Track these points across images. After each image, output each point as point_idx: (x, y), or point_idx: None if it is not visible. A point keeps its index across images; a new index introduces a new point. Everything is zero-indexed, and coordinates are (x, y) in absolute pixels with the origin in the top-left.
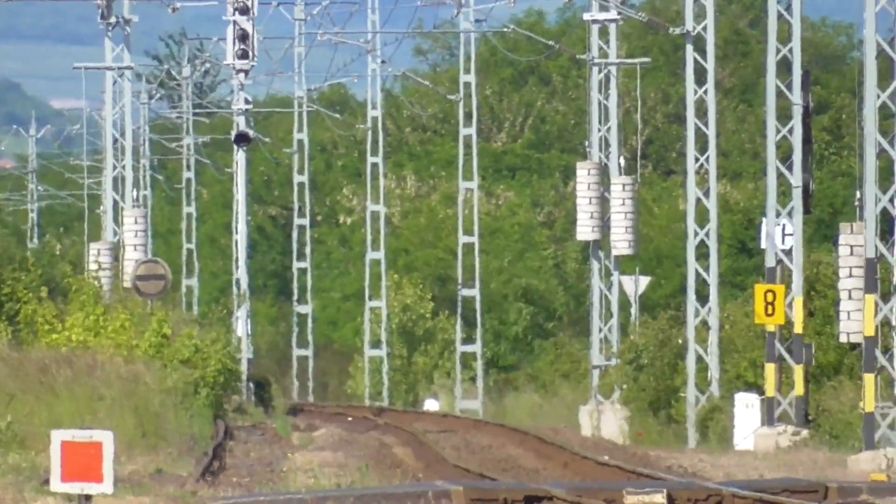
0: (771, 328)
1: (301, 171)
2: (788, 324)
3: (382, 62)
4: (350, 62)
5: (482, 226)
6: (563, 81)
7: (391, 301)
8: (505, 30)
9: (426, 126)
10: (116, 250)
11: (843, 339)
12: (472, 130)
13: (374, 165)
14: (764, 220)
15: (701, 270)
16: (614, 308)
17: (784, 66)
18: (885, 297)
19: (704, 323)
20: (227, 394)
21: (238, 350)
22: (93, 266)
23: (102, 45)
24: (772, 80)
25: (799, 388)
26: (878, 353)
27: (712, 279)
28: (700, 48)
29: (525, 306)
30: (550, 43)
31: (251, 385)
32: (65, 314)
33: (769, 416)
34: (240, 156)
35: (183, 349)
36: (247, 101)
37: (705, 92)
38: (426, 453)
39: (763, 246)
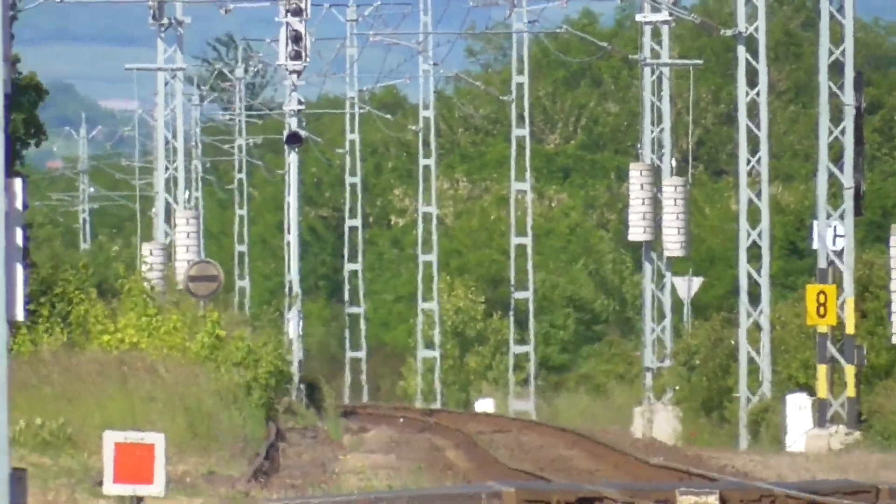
0: (823, 329)
1: (353, 173)
2: (840, 325)
3: (434, 63)
4: (402, 63)
5: (534, 227)
6: (615, 82)
7: (443, 302)
8: (557, 31)
9: (478, 127)
10: (168, 251)
11: (895, 340)
12: (526, 131)
13: (426, 167)
14: (815, 221)
15: (753, 272)
16: (667, 309)
17: (836, 67)
18: None
19: (756, 324)
20: (279, 395)
21: (289, 351)
22: (145, 266)
23: (154, 47)
24: (824, 82)
25: (851, 390)
26: None
27: (764, 280)
28: (752, 49)
29: (572, 312)
30: (603, 44)
31: (303, 386)
32: (118, 315)
33: (821, 417)
34: (292, 157)
35: (235, 351)
36: (299, 102)
37: (757, 93)
38: (478, 454)
39: (815, 247)
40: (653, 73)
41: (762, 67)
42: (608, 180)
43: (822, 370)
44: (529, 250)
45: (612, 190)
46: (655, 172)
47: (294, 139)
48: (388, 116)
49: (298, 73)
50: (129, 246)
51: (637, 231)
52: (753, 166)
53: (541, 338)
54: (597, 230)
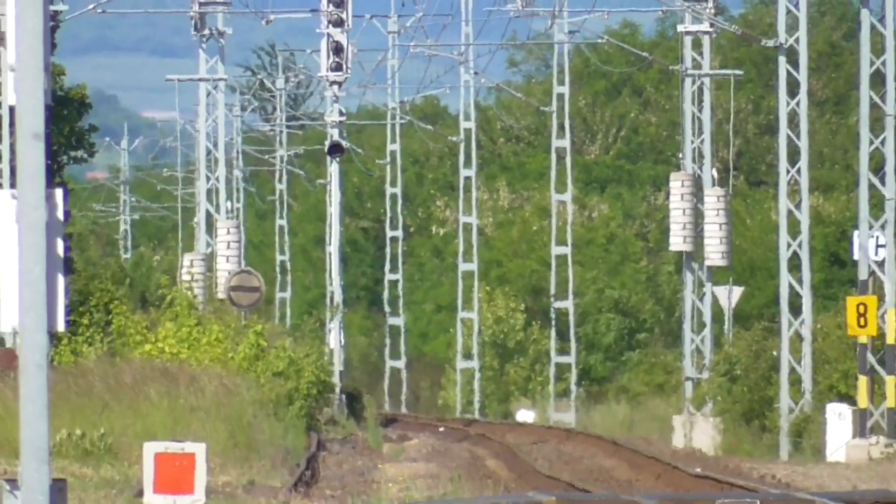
0: (863, 340)
1: (394, 183)
2: (881, 335)
3: (475, 73)
4: (443, 74)
5: (575, 237)
6: (656, 93)
7: (483, 313)
8: (598, 41)
9: (519, 137)
10: (209, 261)
11: None
12: (566, 142)
13: (467, 178)
14: (856, 231)
15: (794, 282)
16: (707, 319)
17: (877, 78)
18: None
19: (798, 334)
20: (320, 405)
21: (331, 362)
22: (185, 276)
23: (196, 57)
24: (865, 92)
25: (891, 400)
26: None
27: (805, 291)
28: (793, 60)
29: (614, 318)
30: (644, 54)
31: (343, 397)
32: (157, 325)
33: (861, 427)
34: (333, 167)
35: (277, 361)
36: (341, 113)
37: (798, 104)
38: (518, 464)
39: (856, 258)
40: (693, 83)
41: (803, 78)
42: (644, 191)
43: (862, 381)
44: (570, 260)
45: (651, 200)
46: (696, 183)
47: (336, 150)
48: (429, 127)
49: (340, 84)
50: (169, 255)
51: (678, 241)
52: (794, 176)
53: (583, 346)
54: (636, 240)
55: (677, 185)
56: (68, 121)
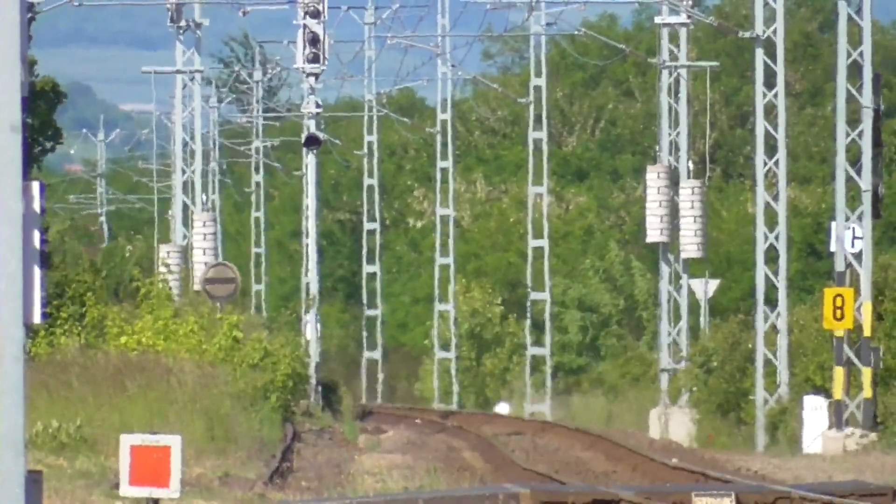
0: (839, 332)
1: (371, 175)
2: (857, 327)
3: (452, 65)
4: (420, 66)
5: (552, 229)
6: (635, 82)
7: (460, 305)
8: (575, 33)
9: (496, 130)
10: (185, 253)
11: None
12: (543, 134)
13: (444, 169)
14: (833, 224)
15: (770, 274)
16: (683, 311)
17: (854, 69)
18: None
19: (774, 326)
20: (296, 397)
21: (307, 354)
22: (161, 269)
23: (172, 49)
24: (842, 84)
25: (867, 391)
26: None
27: (781, 283)
28: (770, 52)
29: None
30: (621, 46)
31: (320, 389)
32: (134, 317)
33: (837, 419)
34: (310, 159)
35: (253, 353)
36: (317, 105)
37: (775, 95)
38: (494, 456)
39: (832, 250)
40: (670, 75)
41: (780, 70)
42: (623, 181)
43: (838, 372)
44: (546, 253)
45: (628, 192)
46: (672, 174)
47: (312, 142)
48: (406, 119)
49: (316, 75)
50: (145, 245)
51: (654, 233)
52: (770, 168)
53: (556, 341)
54: (612, 232)
55: (653, 177)
56: (41, 113)
